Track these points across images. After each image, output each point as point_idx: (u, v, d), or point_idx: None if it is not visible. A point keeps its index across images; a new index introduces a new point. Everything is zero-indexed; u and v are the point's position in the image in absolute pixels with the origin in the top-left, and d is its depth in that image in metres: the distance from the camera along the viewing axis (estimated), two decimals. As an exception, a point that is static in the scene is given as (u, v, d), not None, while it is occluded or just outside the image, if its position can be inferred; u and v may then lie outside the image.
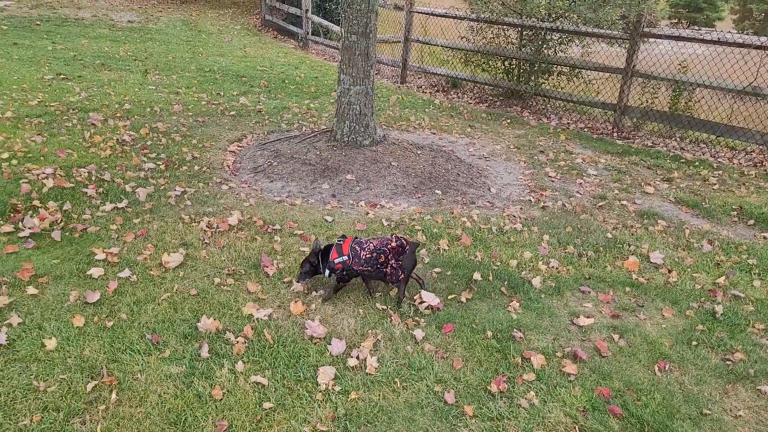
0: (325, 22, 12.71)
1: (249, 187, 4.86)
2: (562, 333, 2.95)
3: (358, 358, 2.59)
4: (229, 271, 3.33)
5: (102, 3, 16.72)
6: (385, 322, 2.91)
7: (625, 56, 7.43)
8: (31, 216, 3.80)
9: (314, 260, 3.09)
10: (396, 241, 3.00)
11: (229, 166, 5.37)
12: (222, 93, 8.37)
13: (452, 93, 9.82)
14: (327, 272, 3.06)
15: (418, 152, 5.69)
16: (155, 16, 15.32)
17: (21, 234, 3.59)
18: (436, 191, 5.02)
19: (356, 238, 3.13)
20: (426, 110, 8.30)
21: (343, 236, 3.16)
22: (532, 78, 8.72)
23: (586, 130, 7.90)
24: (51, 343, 2.52)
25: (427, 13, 9.99)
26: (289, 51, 12.96)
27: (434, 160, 5.59)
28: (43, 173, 4.68)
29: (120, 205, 4.15)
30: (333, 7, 13.91)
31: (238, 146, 6.01)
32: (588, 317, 3.08)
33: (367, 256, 2.99)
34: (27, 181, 4.47)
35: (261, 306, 2.98)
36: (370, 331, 2.83)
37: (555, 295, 3.31)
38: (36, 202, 4.07)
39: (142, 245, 3.57)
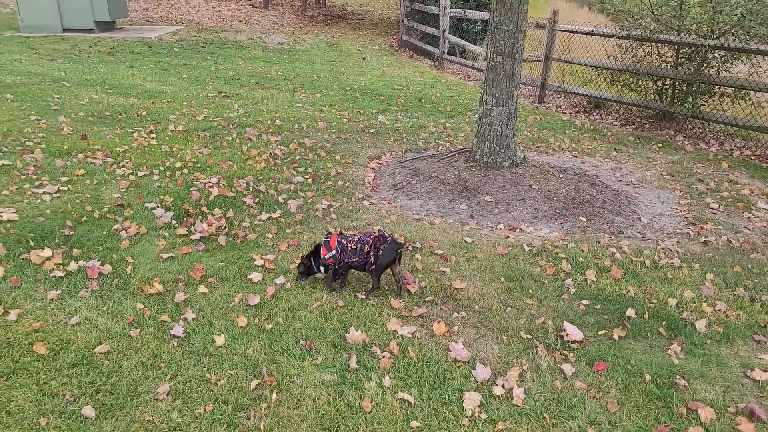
0: (462, 42, 12.77)
1: (389, 204, 4.98)
2: (733, 385, 2.66)
3: (503, 386, 2.53)
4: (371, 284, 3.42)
5: (256, 27, 18.24)
6: (531, 352, 2.82)
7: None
8: (201, 221, 4.20)
9: (307, 261, 3.33)
10: (378, 232, 3.27)
11: (369, 183, 5.55)
12: (362, 111, 8.71)
13: (595, 114, 9.38)
14: (322, 269, 3.30)
15: (560, 176, 5.49)
16: (302, 38, 16.38)
17: (193, 237, 3.98)
18: (580, 218, 4.80)
19: (341, 233, 3.36)
20: (566, 132, 8.00)
21: (329, 233, 3.40)
22: (689, 99, 8.07)
23: (753, 158, 7.13)
24: (220, 340, 2.75)
25: (572, 31, 9.67)
26: (425, 70, 13.20)
27: (577, 185, 5.36)
28: (209, 182, 5.17)
29: (274, 215, 4.45)
30: (470, 26, 13.96)
31: (378, 163, 6.20)
32: (765, 371, 2.75)
33: (353, 247, 3.23)
34: (196, 189, 4.96)
35: (404, 323, 3.03)
36: (515, 360, 2.75)
37: (723, 342, 3.00)
38: (204, 209, 4.50)
39: (294, 254, 3.79)
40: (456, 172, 5.45)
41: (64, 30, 13.70)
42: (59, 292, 3.11)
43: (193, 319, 2.95)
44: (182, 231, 4.05)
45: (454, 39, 12.97)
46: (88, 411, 2.26)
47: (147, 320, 2.92)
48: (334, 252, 3.24)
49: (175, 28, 16.08)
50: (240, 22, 18.73)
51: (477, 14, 12.32)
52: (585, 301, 3.33)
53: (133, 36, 13.98)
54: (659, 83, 8.61)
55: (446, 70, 13.27)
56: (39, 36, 13.16)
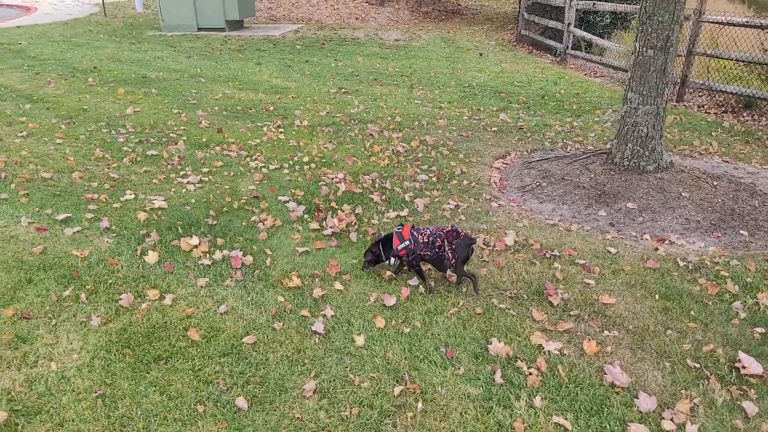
0: (588, 36, 12.08)
1: (518, 207, 4.75)
2: None
3: (673, 421, 2.26)
4: (511, 293, 3.24)
5: (372, 24, 18.48)
6: (702, 383, 2.51)
7: None
8: (332, 216, 4.22)
9: (376, 249, 3.33)
10: (451, 227, 3.22)
11: (495, 183, 5.34)
12: (482, 108, 8.48)
13: (745, 115, 8.46)
14: (391, 259, 3.29)
15: (714, 183, 4.95)
16: (417, 35, 16.34)
17: (325, 232, 4.01)
18: (741, 231, 4.28)
19: (413, 225, 3.33)
20: (713, 134, 7.26)
21: (401, 224, 3.34)
22: None
23: None
24: (359, 340, 2.72)
25: (722, 23, 8.77)
26: (546, 66, 12.65)
27: (735, 194, 4.81)
28: (336, 177, 5.22)
29: (402, 213, 4.39)
30: (597, 19, 13.18)
31: (503, 163, 5.96)
32: None
33: (425, 240, 3.18)
34: (324, 183, 5.02)
35: (549, 338, 2.82)
36: (682, 391, 2.46)
37: None
38: (333, 204, 4.53)
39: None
40: (592, 176, 5.09)
41: (199, 29, 14.65)
42: (207, 279, 3.24)
43: (332, 316, 2.94)
44: (314, 225, 4.09)
45: (580, 33, 12.30)
46: (241, 402, 2.30)
47: (288, 314, 2.95)
48: (407, 243, 3.21)
49: (297, 26, 16.67)
50: (357, 19, 19.08)
51: (607, 6, 11.57)
52: (760, 329, 2.93)
53: (259, 34, 14.66)
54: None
55: (569, 66, 12.62)
56: (177, 35, 14.18)
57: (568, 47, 12.73)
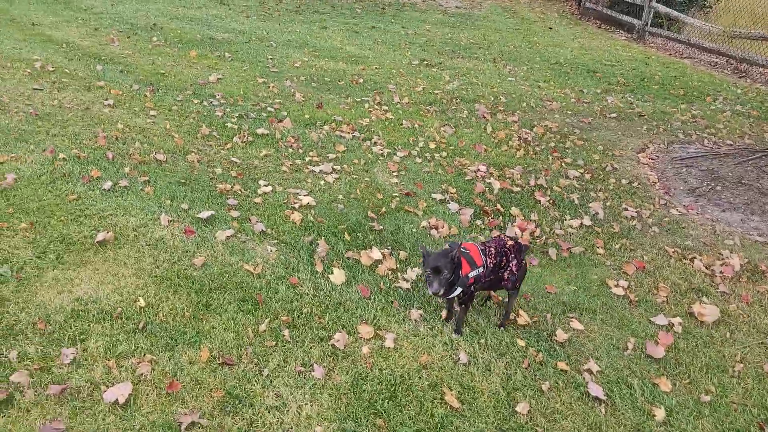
0: (675, 13, 11.20)
1: (701, 216, 4.11)
2: None
3: None
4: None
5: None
6: None
7: None
8: (511, 224, 3.60)
9: (448, 270, 2.31)
10: (511, 239, 2.61)
11: (656, 183, 4.69)
12: (584, 90, 7.76)
13: None
14: (458, 290, 2.39)
15: None
16: (477, 2, 15.39)
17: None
18: None
19: (478, 243, 2.61)
20: None
21: (454, 242, 2.55)
22: None
23: None
24: (660, 413, 2.12)
25: None
26: (625, 44, 11.80)
27: None
28: (479, 170, 4.58)
29: (585, 223, 3.76)
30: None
31: (648, 158, 5.30)
32: None
33: (493, 262, 2.50)
34: (471, 178, 4.39)
35: None
36: None
37: None
38: (498, 206, 3.90)
39: (646, 281, 3.08)
40: (777, 182, 4.44)
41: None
42: (420, 312, 2.63)
43: (598, 371, 2.34)
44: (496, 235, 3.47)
45: (664, 9, 11.41)
46: None
47: (543, 367, 2.36)
48: (480, 269, 2.44)
49: (348, -13, 15.67)
50: (406, -18, 18.03)
51: (703, -20, 10.66)
52: None
53: (312, -6, 13.72)
54: None
55: (649, 44, 11.77)
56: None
57: (647, 24, 11.85)
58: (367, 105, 6.16)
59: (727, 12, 11.30)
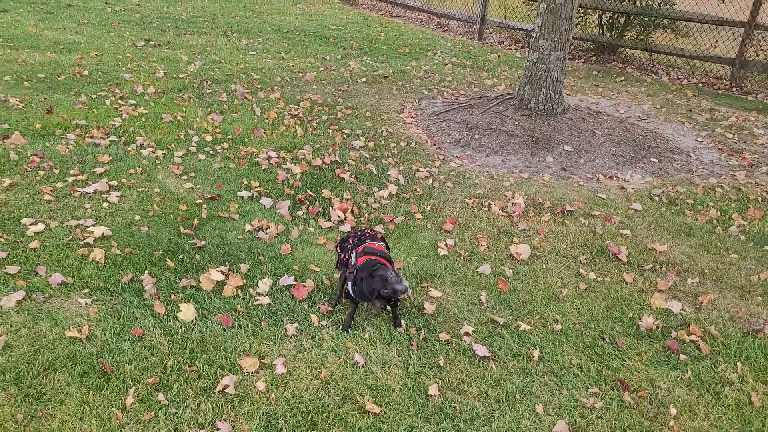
0: (378, -25, 12.13)
1: (473, 164, 4.70)
2: None
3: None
4: (585, 260, 3.24)
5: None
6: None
7: (751, 8, 7.40)
8: (332, 207, 3.59)
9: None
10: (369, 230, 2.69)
11: (426, 140, 5.17)
12: (326, 57, 7.99)
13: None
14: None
15: (605, 119, 5.60)
16: (179, -30, 14.27)
17: (343, 228, 3.39)
18: (652, 159, 4.98)
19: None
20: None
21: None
22: (631, 33, 8.66)
23: (701, 85, 7.92)
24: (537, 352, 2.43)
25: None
26: (340, 7, 12.41)
27: (620, 126, 5.52)
28: (270, 156, 4.42)
29: (392, 191, 3.96)
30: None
31: (410, 117, 5.78)
32: None
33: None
34: (266, 168, 4.21)
35: (665, 298, 2.92)
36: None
37: None
38: (310, 192, 3.84)
39: (469, 235, 3.43)
40: (516, 122, 5.29)
41: None
42: (296, 325, 2.47)
43: (473, 332, 2.55)
44: (324, 223, 3.43)
45: (368, -29, 12.24)
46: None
47: (429, 344, 2.46)
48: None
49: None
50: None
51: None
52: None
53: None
54: (603, 17, 9.05)
55: (361, 5, 12.59)
56: None
57: (356, -14, 12.61)
58: (108, 101, 5.34)
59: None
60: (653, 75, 8.33)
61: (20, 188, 3.53)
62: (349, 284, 2.34)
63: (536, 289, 2.90)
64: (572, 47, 9.58)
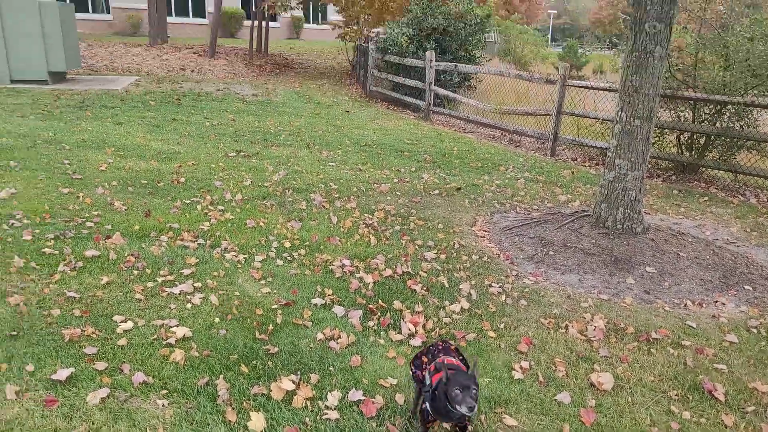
0: (452, 95, 12.85)
1: (548, 282, 4.59)
2: None
3: None
4: (676, 395, 3.00)
5: (210, 76, 17.38)
6: None
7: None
8: (403, 320, 3.57)
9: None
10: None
11: (498, 255, 5.14)
12: (400, 169, 8.32)
13: (623, 167, 9.58)
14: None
15: (689, 240, 5.40)
16: (270, 89, 15.76)
17: (413, 342, 3.35)
18: (746, 287, 4.68)
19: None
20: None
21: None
22: (713, 152, 8.53)
23: (791, 208, 7.53)
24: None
25: (585, 87, 9.96)
26: (415, 122, 13.07)
27: (707, 249, 5.28)
28: (344, 264, 4.52)
29: (464, 306, 3.91)
30: (448, 78, 14.10)
31: (482, 230, 5.81)
32: None
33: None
34: (340, 276, 4.30)
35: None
36: None
37: None
38: (381, 302, 3.86)
39: (546, 358, 3.28)
40: (593, 241, 5.19)
41: (13, 81, 12.16)
42: (365, 444, 2.40)
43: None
44: (395, 335, 3.41)
45: (443, 91, 13.01)
46: None
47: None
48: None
49: (135, 79, 14.89)
50: (192, 71, 17.81)
51: (471, 68, 12.46)
52: None
53: (96, 88, 12.71)
54: (682, 136, 9.00)
55: (435, 122, 13.20)
56: (-16, 88, 11.56)
57: (431, 104, 13.34)
58: (199, 207, 5.74)
59: (497, 92, 13.31)
60: (740, 196, 8.06)
61: (115, 286, 3.77)
62: (427, 404, 2.28)
63: (622, 425, 2.69)
64: (650, 165, 9.50)
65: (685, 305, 4.27)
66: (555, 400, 2.83)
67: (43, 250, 4.20)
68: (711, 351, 3.48)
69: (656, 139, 9.27)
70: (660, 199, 7.58)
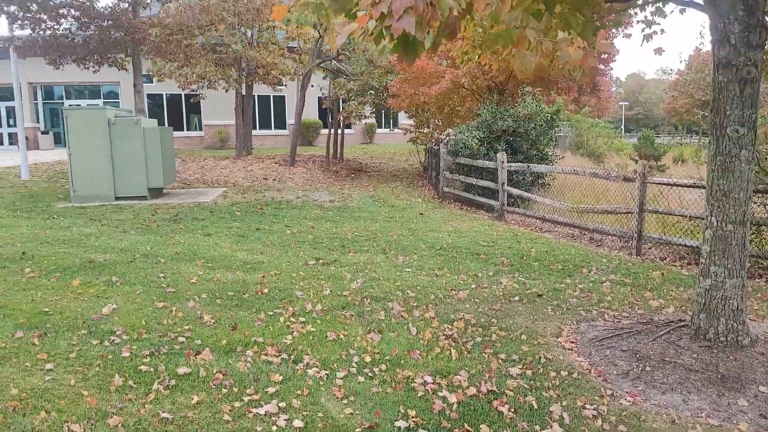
0: (526, 194, 12.85)
1: (648, 403, 4.25)
2: None
3: None
4: None
5: (290, 184, 18.40)
6: None
7: None
8: (492, 448, 3.39)
9: None
10: None
11: (589, 370, 4.86)
12: (478, 275, 8.22)
13: (716, 266, 9.03)
14: None
15: (805, 352, 4.89)
16: (346, 194, 16.42)
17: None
18: None
19: None
20: (715, 290, 7.54)
21: None
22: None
23: None
24: None
25: (667, 183, 9.71)
26: (489, 223, 13.09)
27: (828, 362, 4.75)
28: (425, 382, 4.42)
29: (556, 430, 3.67)
30: (520, 178, 14.18)
31: (569, 342, 5.55)
32: None
33: None
34: (421, 394, 4.19)
35: None
36: None
37: None
38: (467, 426, 3.70)
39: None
40: (695, 355, 4.82)
41: (117, 198, 13.40)
42: None
43: None
44: (485, 466, 3.22)
45: (516, 191, 13.06)
46: None
47: None
48: None
49: (222, 190, 16.02)
50: (274, 180, 18.94)
51: (543, 168, 12.53)
52: None
53: (188, 201, 13.75)
54: (781, 233, 8.44)
55: (509, 222, 13.16)
56: (93, 206, 12.79)
57: (504, 204, 13.37)
58: (282, 318, 5.89)
59: (572, 188, 13.21)
60: None
61: (204, 406, 3.86)
62: None
63: None
64: (750, 264, 8.88)
65: (812, 432, 3.80)
66: None
67: (139, 367, 4.41)
68: None
69: (754, 236, 8.74)
70: (765, 303, 7.00)
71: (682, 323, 5.37)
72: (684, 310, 6.41)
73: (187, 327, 5.47)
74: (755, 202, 8.72)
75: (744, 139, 4.79)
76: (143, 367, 4.41)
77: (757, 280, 8.26)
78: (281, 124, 33.07)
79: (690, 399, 4.31)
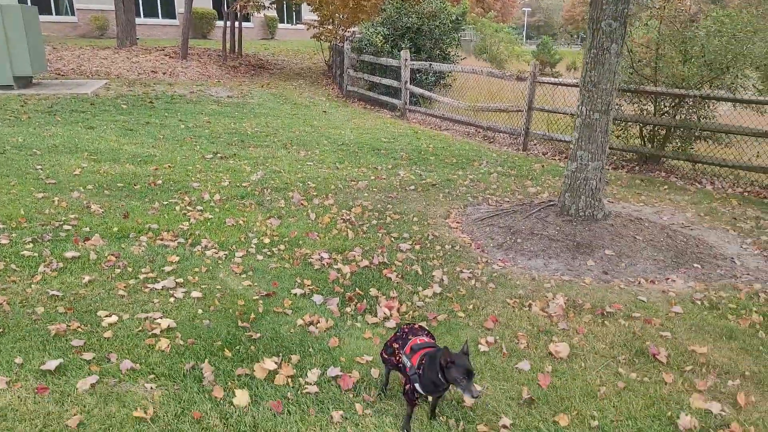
0: (427, 93, 13.09)
1: (516, 267, 4.85)
2: None
3: None
4: (624, 360, 3.27)
5: (183, 78, 17.38)
6: None
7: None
8: (378, 305, 3.79)
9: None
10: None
11: (470, 244, 5.39)
12: (377, 167, 8.52)
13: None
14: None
15: (646, 225, 5.72)
16: (245, 91, 15.83)
17: (388, 324, 3.57)
18: (695, 265, 5.00)
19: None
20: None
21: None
22: (673, 143, 8.92)
23: (746, 194, 7.94)
24: None
25: (554, 83, 10.30)
26: (392, 121, 13.29)
27: (661, 232, 5.60)
28: (322, 257, 4.72)
29: (436, 290, 4.14)
30: (423, 77, 14.36)
31: (455, 222, 6.06)
32: None
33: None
34: (319, 267, 4.50)
35: (705, 399, 2.90)
36: None
37: None
38: (358, 290, 4.07)
39: (509, 333, 3.53)
40: (557, 228, 5.47)
41: (-23, 87, 12.04)
42: (341, 412, 2.61)
43: (511, 424, 2.61)
44: (371, 318, 3.62)
45: (418, 90, 13.25)
46: None
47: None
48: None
49: (104, 82, 14.84)
50: (164, 74, 17.76)
51: (445, 66, 12.74)
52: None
53: (64, 92, 12.66)
54: (644, 129, 9.38)
55: (411, 120, 13.45)
56: (-48, 95, 11.45)
57: (406, 103, 13.58)
58: (178, 207, 5.88)
59: (471, 89, 13.61)
60: (697, 184, 8.45)
61: (97, 284, 3.92)
62: (417, 385, 2.45)
63: (575, 386, 2.95)
64: (615, 157, 9.88)
65: (639, 283, 4.56)
66: (516, 368, 3.08)
67: (21, 253, 4.32)
68: (658, 321, 3.77)
69: (620, 132, 9.64)
70: (623, 189, 7.92)
71: (552, 203, 6.01)
72: (556, 194, 7.12)
73: (72, 216, 5.32)
74: (625, 101, 9.55)
75: (615, 33, 5.21)
76: (26, 253, 4.32)
77: (620, 170, 9.25)
78: (170, 12, 30.18)
79: (550, 262, 4.96)
